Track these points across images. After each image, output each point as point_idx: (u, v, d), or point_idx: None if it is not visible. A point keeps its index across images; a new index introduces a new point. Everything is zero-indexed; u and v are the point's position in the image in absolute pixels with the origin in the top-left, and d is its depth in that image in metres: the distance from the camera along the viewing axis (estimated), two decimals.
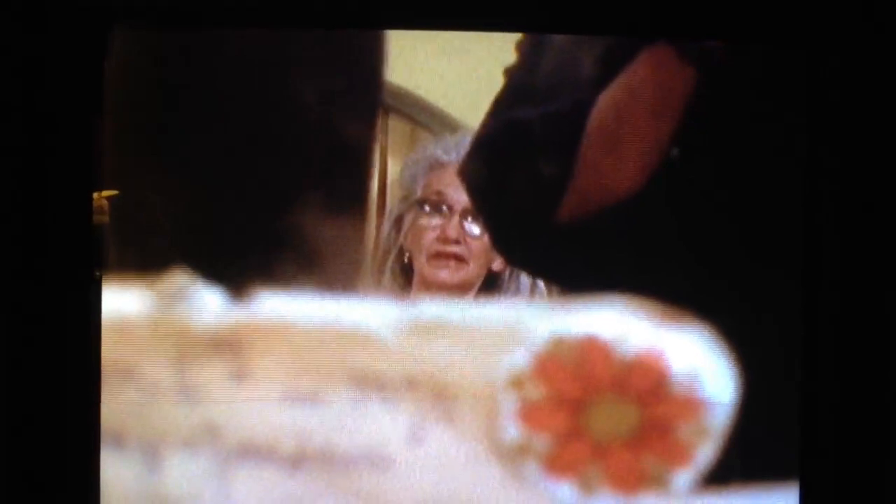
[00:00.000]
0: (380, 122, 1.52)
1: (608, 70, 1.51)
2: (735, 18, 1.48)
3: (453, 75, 1.50)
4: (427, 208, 1.57)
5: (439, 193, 1.56)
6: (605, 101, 1.48)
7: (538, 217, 1.49)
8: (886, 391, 1.49)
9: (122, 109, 1.46)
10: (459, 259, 1.54)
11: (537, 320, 1.48)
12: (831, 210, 1.52)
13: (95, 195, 1.43)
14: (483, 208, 1.53)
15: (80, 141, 1.42)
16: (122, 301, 1.46)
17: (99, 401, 1.44)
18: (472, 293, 1.55)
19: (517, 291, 1.55)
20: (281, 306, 1.46)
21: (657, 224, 1.50)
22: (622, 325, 1.49)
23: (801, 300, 1.52)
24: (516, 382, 1.47)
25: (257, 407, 1.46)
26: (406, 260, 1.57)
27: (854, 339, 1.52)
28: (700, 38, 1.47)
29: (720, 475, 1.49)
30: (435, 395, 1.47)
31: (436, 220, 1.56)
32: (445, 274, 1.54)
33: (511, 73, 1.52)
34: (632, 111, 1.47)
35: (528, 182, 1.50)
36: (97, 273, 1.43)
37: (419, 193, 1.57)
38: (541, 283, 1.55)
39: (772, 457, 1.52)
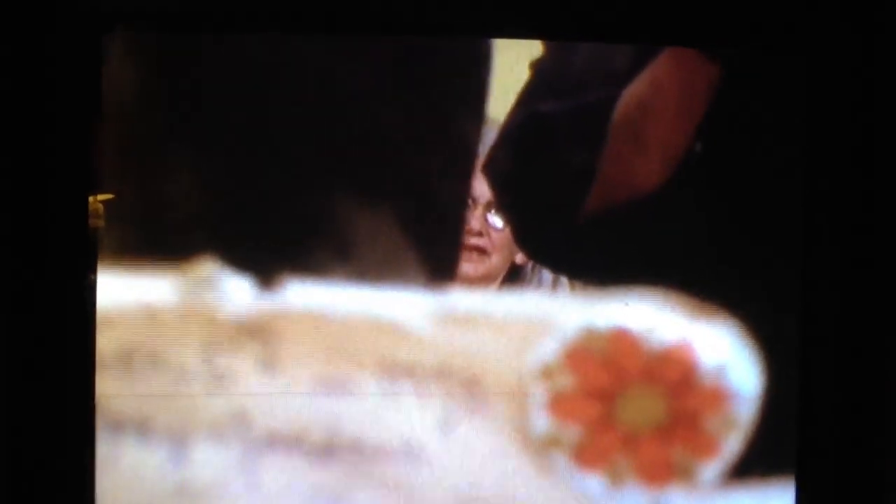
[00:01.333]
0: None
1: (637, 65, 1.53)
2: (736, 25, 1.51)
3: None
4: None
5: None
6: (630, 97, 1.49)
7: (562, 213, 1.50)
8: (889, 390, 1.51)
9: (132, 109, 1.46)
10: (481, 251, 1.53)
11: (567, 312, 1.50)
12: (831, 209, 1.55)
13: (91, 199, 1.43)
14: (506, 203, 1.53)
15: (78, 144, 1.43)
16: (151, 289, 1.45)
17: (94, 393, 1.44)
18: (496, 285, 1.55)
19: (540, 284, 1.55)
20: (312, 295, 1.46)
21: (681, 218, 1.51)
22: (651, 317, 1.50)
23: (803, 297, 1.55)
24: (546, 374, 1.48)
25: (287, 396, 1.46)
26: None
27: (852, 338, 1.55)
28: (703, 45, 1.49)
29: (745, 467, 1.52)
30: (465, 386, 1.47)
31: None
32: (468, 267, 1.53)
33: (538, 67, 1.52)
34: (656, 107, 1.48)
35: (553, 177, 1.51)
36: (91, 276, 1.43)
37: None
38: (563, 277, 1.54)
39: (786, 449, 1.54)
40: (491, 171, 1.52)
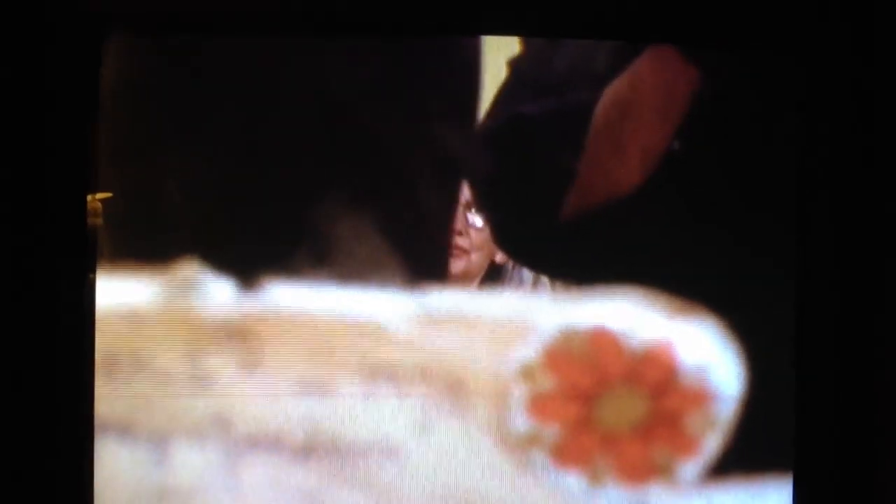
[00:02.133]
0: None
1: (619, 65, 1.52)
2: (731, 23, 1.50)
3: None
4: None
5: None
6: (610, 97, 1.49)
7: (542, 213, 1.50)
8: (884, 389, 1.51)
9: (122, 109, 1.47)
10: (462, 250, 1.53)
11: (548, 312, 1.49)
12: (825, 207, 1.55)
13: (90, 197, 1.43)
14: (486, 203, 1.53)
15: (76, 145, 1.44)
16: (131, 290, 1.46)
17: (93, 392, 1.44)
18: (475, 284, 1.54)
19: (520, 283, 1.54)
20: (292, 297, 1.46)
21: (661, 217, 1.51)
22: (632, 317, 1.50)
23: (796, 296, 1.54)
24: (527, 374, 1.48)
25: (267, 398, 1.46)
26: None
27: (849, 336, 1.54)
28: (697, 44, 1.49)
29: (723, 466, 1.51)
30: (446, 387, 1.47)
31: None
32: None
33: (516, 66, 1.51)
34: (636, 108, 1.48)
35: (533, 178, 1.50)
36: (91, 275, 1.44)
37: None
38: (543, 277, 1.54)
39: (771, 448, 1.53)
40: (471, 171, 1.52)
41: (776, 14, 1.51)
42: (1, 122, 1.40)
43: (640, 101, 1.48)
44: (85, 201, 1.43)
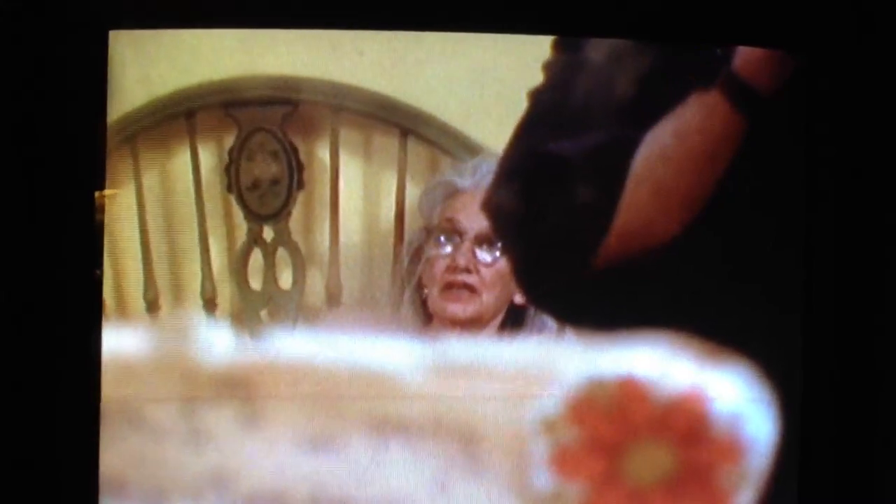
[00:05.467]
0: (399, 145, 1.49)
1: (642, 95, 1.47)
2: (735, 21, 1.48)
3: (474, 96, 1.47)
4: (442, 238, 1.50)
5: (450, 220, 1.48)
6: (653, 146, 1.45)
7: (569, 257, 1.45)
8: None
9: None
10: (470, 289, 1.47)
11: (570, 360, 1.45)
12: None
13: (97, 194, 1.42)
14: (509, 243, 1.48)
15: (83, 143, 1.43)
16: (124, 337, 1.42)
17: (100, 393, 1.40)
18: (492, 328, 1.48)
19: (543, 328, 1.48)
20: (296, 344, 1.43)
21: (690, 260, 1.47)
22: (660, 364, 1.45)
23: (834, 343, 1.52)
24: (548, 426, 1.43)
25: (269, 453, 1.42)
26: (424, 295, 1.49)
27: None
28: (700, 42, 1.47)
29: None
30: (462, 442, 1.43)
31: (448, 249, 1.49)
32: (457, 307, 1.47)
33: (537, 96, 1.47)
34: (681, 158, 1.45)
35: (563, 222, 1.46)
36: (97, 272, 1.42)
37: (435, 222, 1.50)
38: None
39: None
40: (492, 208, 1.46)
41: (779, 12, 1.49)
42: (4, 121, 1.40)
43: (686, 151, 1.44)
44: (93, 197, 1.42)
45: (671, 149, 1.44)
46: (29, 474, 1.40)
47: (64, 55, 1.41)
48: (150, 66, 1.43)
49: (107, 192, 1.42)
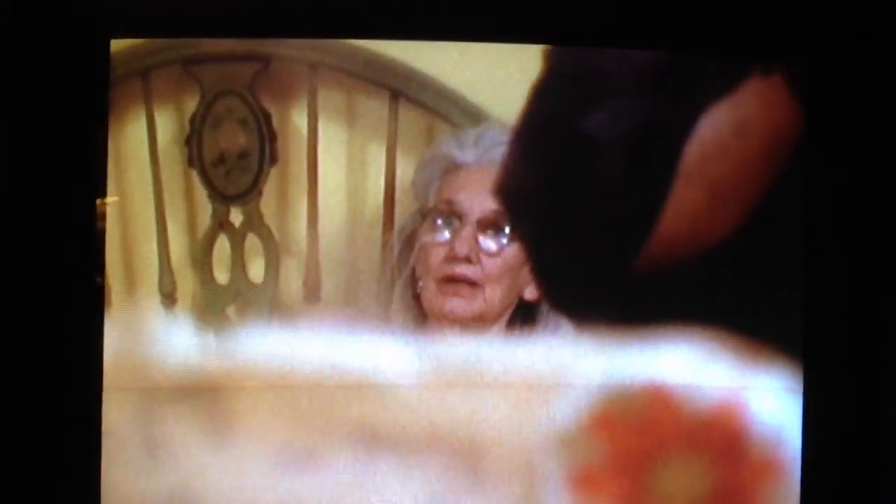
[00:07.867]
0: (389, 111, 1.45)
1: (661, 73, 1.42)
2: (735, 33, 1.46)
3: (476, 50, 1.42)
4: (439, 222, 1.41)
5: (449, 202, 1.41)
6: (707, 139, 1.41)
7: (607, 261, 1.41)
8: None
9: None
10: (472, 283, 1.41)
11: (589, 364, 1.40)
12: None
13: (99, 201, 1.40)
14: (521, 224, 1.40)
15: (84, 149, 1.41)
16: None
17: (101, 397, 1.36)
18: (497, 328, 1.43)
19: (558, 327, 1.43)
20: (269, 347, 1.38)
21: (731, 255, 1.44)
22: (693, 369, 1.41)
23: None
24: (564, 440, 1.38)
25: (238, 472, 1.37)
26: (418, 289, 1.42)
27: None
28: (701, 54, 1.44)
29: None
30: (461, 457, 1.38)
31: (446, 236, 1.42)
32: (456, 304, 1.41)
33: (556, 54, 1.42)
34: (740, 155, 1.42)
35: (597, 213, 1.41)
36: (98, 279, 1.39)
37: (431, 203, 1.42)
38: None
39: None
40: (505, 190, 1.40)
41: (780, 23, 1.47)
42: (9, 121, 1.38)
43: (745, 148, 1.41)
44: (94, 203, 1.40)
45: (730, 145, 1.42)
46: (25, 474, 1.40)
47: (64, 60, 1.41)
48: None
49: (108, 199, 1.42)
